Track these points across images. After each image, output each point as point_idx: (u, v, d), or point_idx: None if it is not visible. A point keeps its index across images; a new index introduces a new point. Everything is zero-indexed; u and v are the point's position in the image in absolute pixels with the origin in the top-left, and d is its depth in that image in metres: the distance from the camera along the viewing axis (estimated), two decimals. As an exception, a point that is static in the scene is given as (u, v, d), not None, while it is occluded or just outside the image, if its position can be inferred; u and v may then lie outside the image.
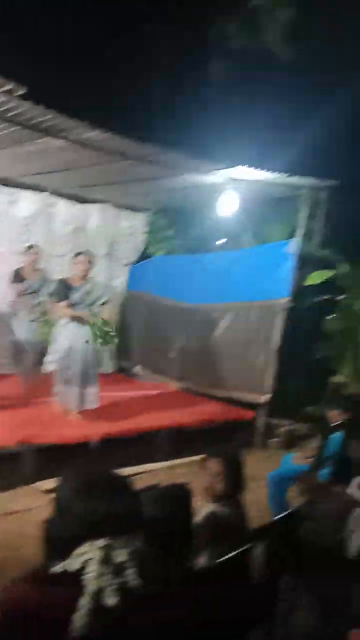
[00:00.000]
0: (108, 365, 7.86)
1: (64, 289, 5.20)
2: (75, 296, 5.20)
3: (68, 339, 5.15)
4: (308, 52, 9.19)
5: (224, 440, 5.14)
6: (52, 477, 4.19)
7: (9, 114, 4.31)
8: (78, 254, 5.41)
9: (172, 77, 9.21)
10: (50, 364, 5.28)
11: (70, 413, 5.22)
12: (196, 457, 4.76)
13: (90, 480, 1.47)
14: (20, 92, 3.78)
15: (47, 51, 7.95)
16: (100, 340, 5.21)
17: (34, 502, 4.05)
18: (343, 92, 8.48)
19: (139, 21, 8.84)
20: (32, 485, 4.34)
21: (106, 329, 5.23)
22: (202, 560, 2.26)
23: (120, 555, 1.33)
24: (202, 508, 2.43)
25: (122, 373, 7.99)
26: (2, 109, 4.22)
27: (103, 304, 5.41)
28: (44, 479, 4.27)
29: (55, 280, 5.47)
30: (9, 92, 3.78)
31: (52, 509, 1.43)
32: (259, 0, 9.39)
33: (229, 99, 9.32)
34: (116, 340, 5.24)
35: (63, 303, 5.18)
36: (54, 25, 8.24)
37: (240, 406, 6.19)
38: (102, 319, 5.47)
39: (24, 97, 3.87)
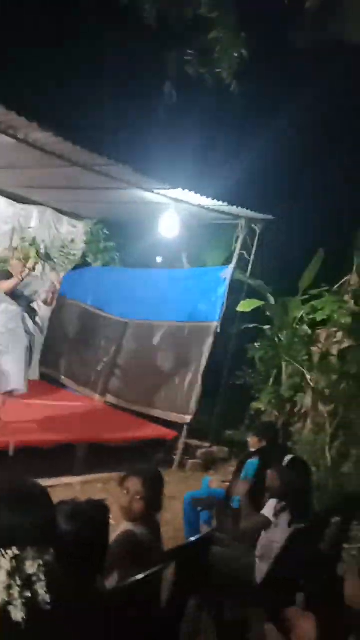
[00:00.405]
0: (33, 373, 7.63)
1: (5, 275, 5.13)
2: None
3: (3, 326, 4.95)
4: (258, 91, 9.58)
5: (144, 458, 5.12)
6: None
7: None
8: (16, 248, 5.34)
9: (126, 93, 9.30)
10: None
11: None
12: (114, 474, 4.72)
13: (2, 487, 1.42)
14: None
15: (2, 49, 7.79)
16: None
17: None
18: (290, 129, 8.90)
19: (99, 32, 8.87)
20: None
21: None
22: (113, 579, 2.21)
23: (31, 567, 1.29)
24: (119, 526, 2.39)
25: (46, 380, 7.78)
26: None
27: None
28: None
29: None
30: None
31: None
32: (218, 33, 9.70)
33: (180, 123, 9.51)
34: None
35: (4, 280, 5.06)
36: (12, 24, 8.10)
37: (162, 425, 6.19)
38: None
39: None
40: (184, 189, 5.74)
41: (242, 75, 9.82)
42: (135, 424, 6.22)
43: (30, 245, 5.06)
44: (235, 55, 10.08)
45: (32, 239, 5.16)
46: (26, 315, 5.11)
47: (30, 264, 5.00)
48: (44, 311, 5.70)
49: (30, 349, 5.07)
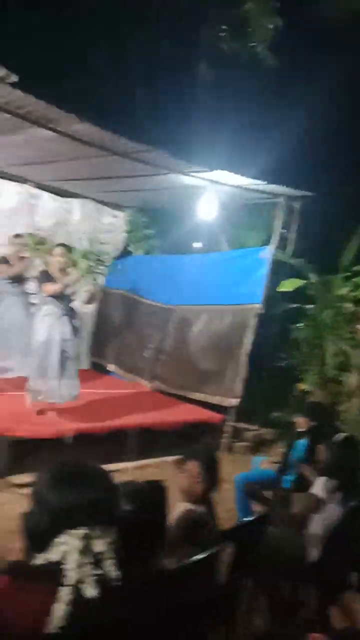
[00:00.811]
0: (82, 362, 7.81)
1: (47, 277, 5.21)
2: None
3: (46, 331, 5.10)
4: (294, 62, 9.34)
5: (192, 441, 5.16)
6: (23, 471, 4.18)
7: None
8: (56, 245, 5.41)
9: (159, 77, 9.22)
10: (27, 356, 5.24)
11: (43, 407, 5.16)
12: (166, 458, 4.82)
13: (69, 470, 1.48)
14: (12, 80, 3.73)
15: (40, 43, 7.87)
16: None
17: (6, 496, 4.01)
18: (326, 104, 8.65)
19: (131, 19, 8.82)
20: (4, 479, 4.29)
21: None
22: (172, 558, 2.28)
23: (99, 546, 1.34)
24: (179, 506, 2.46)
25: (96, 370, 7.96)
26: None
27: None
28: (16, 474, 4.24)
29: (39, 270, 5.49)
30: (1, 79, 3.73)
31: (31, 500, 1.44)
32: (250, 5, 9.47)
33: (214, 102, 9.40)
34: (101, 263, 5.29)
35: (48, 283, 5.15)
36: (48, 17, 8.16)
37: (209, 408, 6.24)
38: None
39: (15, 85, 3.82)
40: (223, 170, 5.70)
41: (277, 48, 9.62)
42: (182, 409, 6.29)
43: (84, 258, 5.10)
44: (270, 26, 9.87)
45: (84, 252, 5.19)
46: (66, 318, 5.19)
47: (75, 276, 5.06)
48: (84, 309, 5.80)
49: (67, 355, 5.15)
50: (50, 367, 5.06)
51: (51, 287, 5.11)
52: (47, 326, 5.11)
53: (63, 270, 5.20)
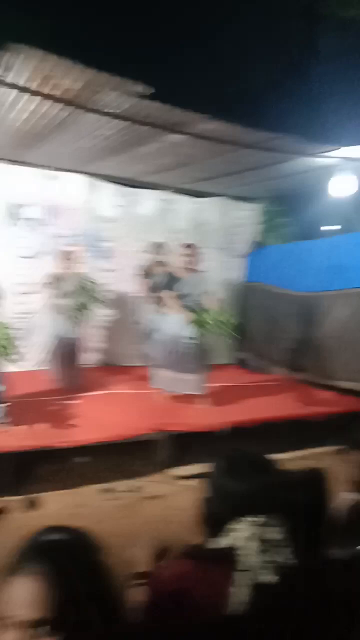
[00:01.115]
0: (226, 357, 7.92)
1: (171, 281, 5.33)
2: (180, 288, 5.27)
3: (171, 327, 5.23)
4: None
5: (341, 432, 4.99)
6: (183, 464, 4.35)
7: (138, 116, 4.47)
8: (184, 245, 5.50)
9: (280, 59, 9.00)
10: (151, 350, 5.46)
11: (196, 402, 5.30)
12: (320, 449, 4.71)
13: (242, 460, 1.54)
14: (149, 92, 3.88)
15: (161, 48, 8.10)
16: (215, 330, 5.18)
17: (169, 488, 4.16)
18: None
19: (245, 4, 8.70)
20: (165, 472, 4.45)
21: (220, 318, 5.19)
22: (338, 549, 2.25)
23: (275, 533, 1.38)
24: (343, 495, 2.42)
25: (240, 365, 8.03)
26: (131, 110, 4.37)
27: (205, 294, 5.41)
28: (175, 466, 4.41)
29: (166, 273, 5.64)
30: (136, 93, 3.90)
31: (208, 488, 1.51)
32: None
33: (339, 75, 8.94)
34: (232, 329, 5.23)
35: (169, 293, 5.28)
36: (162, 24, 8.37)
37: (356, 397, 5.98)
38: (213, 309, 5.40)
39: (151, 97, 3.97)
40: (355, 145, 5.42)
41: None
42: (330, 398, 6.10)
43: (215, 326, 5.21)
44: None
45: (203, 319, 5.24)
46: (191, 324, 5.20)
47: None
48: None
49: (191, 352, 5.20)
50: (174, 361, 5.19)
51: (170, 302, 5.23)
52: (173, 322, 5.23)
53: (189, 270, 5.29)
